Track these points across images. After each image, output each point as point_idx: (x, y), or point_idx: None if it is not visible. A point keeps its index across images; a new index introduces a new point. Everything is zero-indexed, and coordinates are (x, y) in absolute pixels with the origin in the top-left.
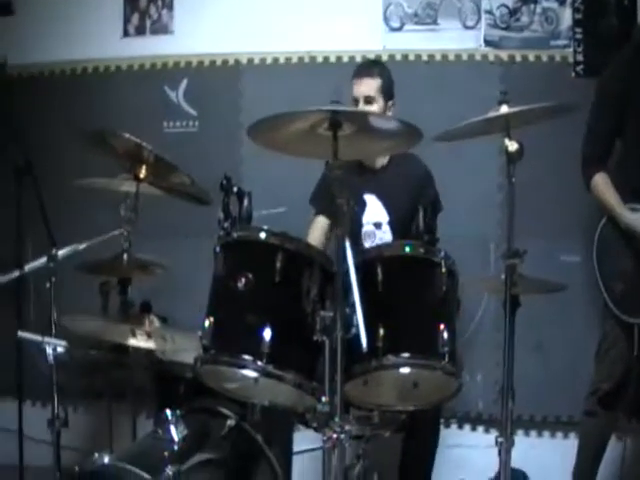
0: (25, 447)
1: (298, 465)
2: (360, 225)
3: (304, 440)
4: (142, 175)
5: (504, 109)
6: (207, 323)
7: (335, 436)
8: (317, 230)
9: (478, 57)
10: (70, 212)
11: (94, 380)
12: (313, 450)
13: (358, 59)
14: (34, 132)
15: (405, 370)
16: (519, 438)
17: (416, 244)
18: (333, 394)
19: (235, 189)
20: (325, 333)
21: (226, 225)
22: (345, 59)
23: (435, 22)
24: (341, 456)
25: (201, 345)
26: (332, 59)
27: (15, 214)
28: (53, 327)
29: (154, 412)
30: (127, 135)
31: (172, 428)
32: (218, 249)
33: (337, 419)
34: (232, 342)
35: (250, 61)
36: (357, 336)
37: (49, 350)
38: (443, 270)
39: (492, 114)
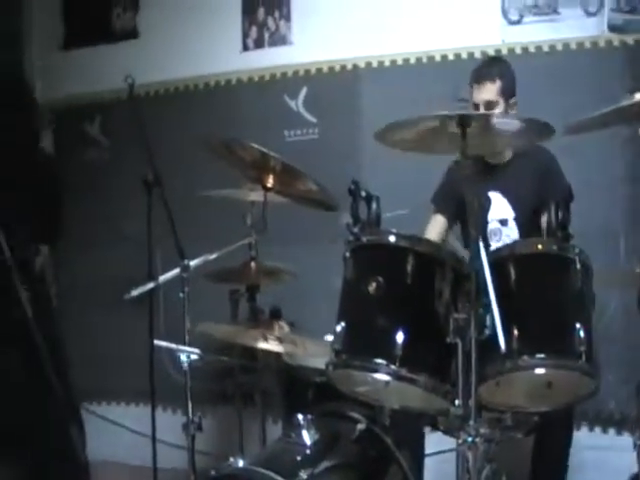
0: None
1: (427, 467)
2: (486, 223)
3: (430, 442)
4: (269, 184)
5: (639, 96)
6: (338, 328)
7: (470, 439)
8: (435, 228)
9: (602, 44)
10: (196, 223)
11: (224, 385)
12: (443, 452)
13: (477, 55)
14: (162, 147)
15: (540, 371)
16: None
17: (549, 240)
18: (466, 397)
19: (363, 193)
20: (458, 335)
21: (355, 230)
22: (464, 56)
23: (555, 11)
24: (476, 460)
25: (332, 349)
26: (450, 57)
27: (145, 227)
28: (186, 335)
29: (282, 416)
30: (254, 145)
31: (304, 432)
32: (348, 254)
33: (472, 422)
34: (364, 346)
35: (368, 65)
36: (490, 337)
37: (183, 358)
38: (578, 266)
39: (626, 102)
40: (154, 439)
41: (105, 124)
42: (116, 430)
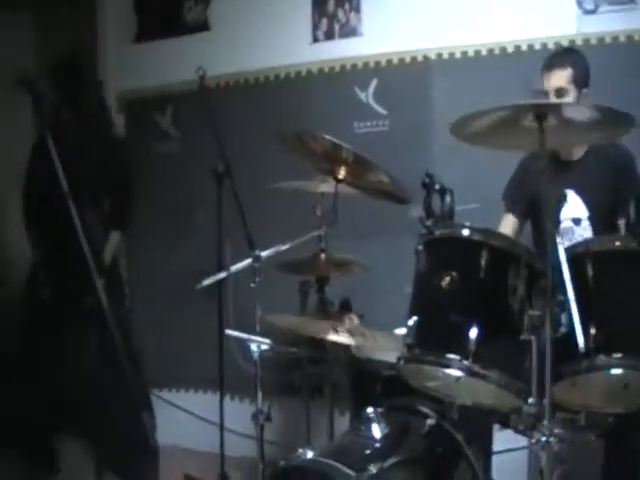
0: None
1: (495, 465)
2: (558, 221)
3: (499, 439)
4: (341, 175)
5: None
6: (411, 322)
7: (544, 439)
8: (506, 227)
9: None
10: (266, 214)
11: (292, 376)
12: (512, 450)
13: (551, 46)
14: (231, 138)
15: (617, 371)
16: None
17: (627, 237)
18: (540, 395)
19: (437, 186)
20: (533, 332)
21: (428, 223)
22: (537, 47)
23: (632, 0)
24: (549, 460)
25: (404, 343)
26: (524, 48)
27: (216, 218)
28: (257, 325)
29: (349, 409)
30: (325, 136)
31: (374, 426)
32: (420, 247)
33: (546, 422)
34: (437, 341)
35: (439, 56)
36: (565, 335)
37: (254, 348)
38: None
39: None
40: (222, 427)
41: (176, 116)
42: (185, 417)
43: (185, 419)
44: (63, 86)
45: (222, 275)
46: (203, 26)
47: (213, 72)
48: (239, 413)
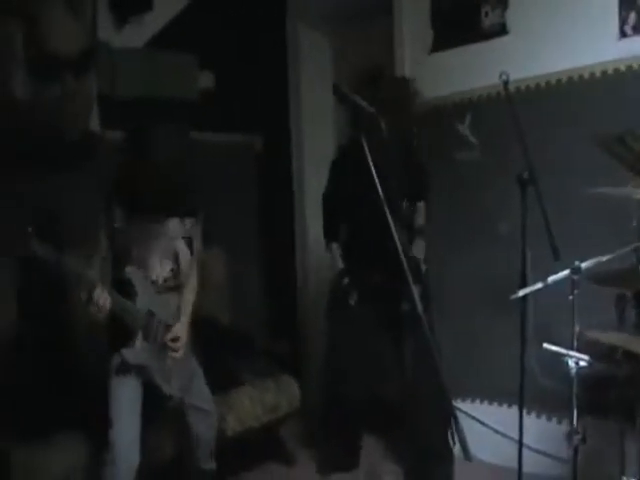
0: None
1: None
2: None
3: None
4: None
5: None
6: None
7: None
8: None
9: None
10: (570, 222)
11: (604, 396)
12: None
13: None
14: (533, 143)
15: None
16: None
17: None
18: None
19: None
20: None
21: None
22: None
23: None
24: None
25: None
26: None
27: (518, 226)
28: (574, 340)
29: None
30: None
31: None
32: None
33: None
34: None
35: None
36: None
37: (571, 364)
38: None
39: None
40: (521, 442)
41: (475, 122)
42: (479, 428)
43: (480, 430)
44: (376, 97)
45: (538, 286)
46: (501, 30)
47: (514, 76)
48: (533, 428)
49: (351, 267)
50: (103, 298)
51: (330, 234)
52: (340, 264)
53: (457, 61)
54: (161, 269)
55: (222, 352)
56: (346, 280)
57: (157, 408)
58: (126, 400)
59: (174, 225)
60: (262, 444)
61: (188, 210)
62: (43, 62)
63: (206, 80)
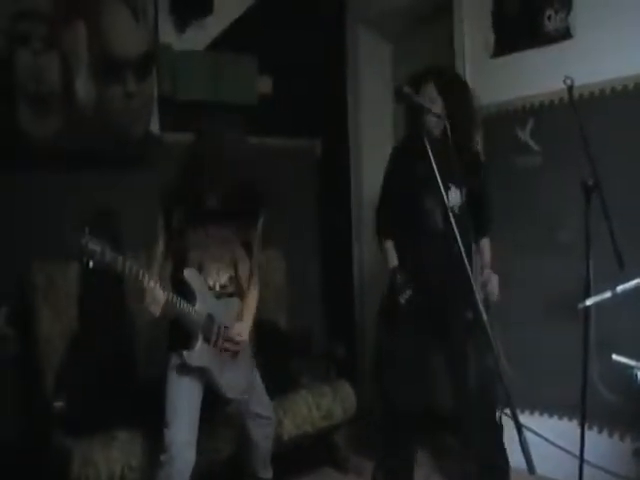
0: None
1: None
2: None
3: None
4: None
5: None
6: None
7: None
8: None
9: None
10: (635, 230)
11: None
12: None
13: None
14: (595, 149)
15: None
16: None
17: None
18: None
19: None
20: None
21: None
22: None
23: None
24: None
25: None
26: None
27: (581, 233)
28: None
29: None
30: None
31: None
32: None
33: None
34: None
35: None
36: None
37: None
38: None
39: None
40: (582, 458)
41: (537, 128)
42: (537, 440)
43: (535, 442)
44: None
45: (607, 295)
46: (565, 34)
47: (580, 82)
48: (592, 444)
49: (406, 265)
50: (158, 294)
51: (384, 230)
52: (395, 261)
53: (519, 65)
54: (217, 276)
55: (280, 355)
56: (399, 278)
57: (216, 411)
58: (184, 401)
59: (233, 230)
60: (317, 449)
61: (248, 215)
62: (105, 64)
63: (264, 85)
